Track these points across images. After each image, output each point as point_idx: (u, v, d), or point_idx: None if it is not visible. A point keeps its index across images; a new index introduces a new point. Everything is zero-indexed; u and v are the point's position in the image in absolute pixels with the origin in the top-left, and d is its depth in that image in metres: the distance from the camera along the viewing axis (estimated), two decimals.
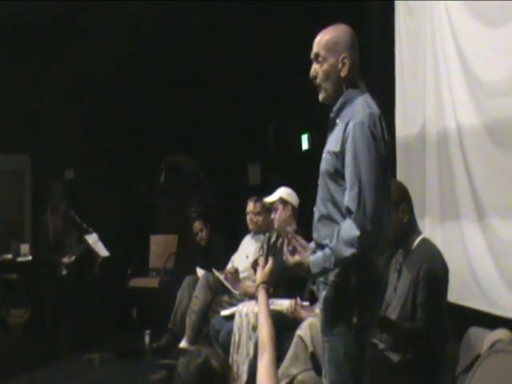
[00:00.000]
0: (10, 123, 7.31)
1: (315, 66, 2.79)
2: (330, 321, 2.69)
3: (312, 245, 2.84)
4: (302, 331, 3.82)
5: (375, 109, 2.70)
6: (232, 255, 5.86)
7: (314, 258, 2.67)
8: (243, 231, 5.82)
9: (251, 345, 4.50)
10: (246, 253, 5.69)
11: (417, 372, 3.32)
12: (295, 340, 3.85)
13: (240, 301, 5.16)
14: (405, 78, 5.26)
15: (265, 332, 2.45)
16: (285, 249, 2.78)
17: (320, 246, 2.73)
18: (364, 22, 5.62)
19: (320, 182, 2.78)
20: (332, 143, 2.71)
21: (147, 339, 6.55)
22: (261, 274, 2.73)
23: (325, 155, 2.75)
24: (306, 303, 4.44)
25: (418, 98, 4.94)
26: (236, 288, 5.44)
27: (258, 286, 2.71)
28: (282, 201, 5.03)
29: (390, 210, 2.80)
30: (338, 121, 2.75)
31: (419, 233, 3.48)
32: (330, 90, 2.77)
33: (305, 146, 7.84)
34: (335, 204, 2.69)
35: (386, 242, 2.78)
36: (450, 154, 4.43)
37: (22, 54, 7.24)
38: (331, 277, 2.67)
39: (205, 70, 7.61)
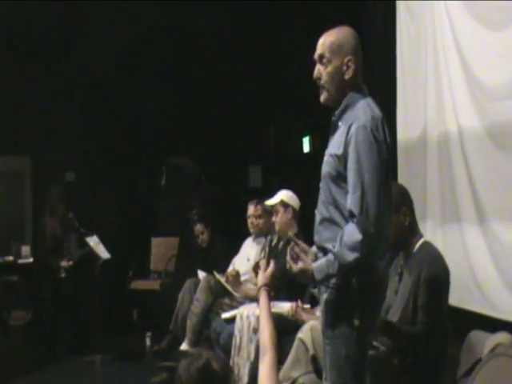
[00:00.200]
0: (10, 125, 7.32)
1: (319, 67, 2.78)
2: (332, 323, 2.69)
3: (314, 248, 2.84)
4: (303, 334, 3.82)
5: (377, 112, 2.70)
6: (233, 258, 5.86)
7: (317, 264, 2.67)
8: (244, 234, 5.82)
9: (252, 347, 4.51)
10: (247, 255, 5.69)
11: (418, 375, 3.32)
12: (296, 343, 3.85)
13: (241, 303, 5.16)
14: (406, 81, 5.26)
15: (266, 335, 2.45)
16: (287, 257, 2.78)
17: (322, 249, 2.73)
18: (365, 23, 5.62)
19: (322, 184, 2.78)
20: (334, 146, 2.71)
21: (148, 341, 6.56)
22: (262, 277, 2.73)
23: (327, 158, 2.75)
24: (306, 306, 4.44)
25: (419, 100, 4.94)
26: (237, 291, 5.44)
27: (259, 289, 2.70)
28: (283, 203, 5.04)
29: (391, 213, 2.80)
30: (340, 124, 2.75)
31: (420, 236, 3.48)
32: (332, 91, 2.76)
33: (306, 148, 7.85)
34: (337, 207, 2.69)
35: (387, 245, 2.78)
36: (450, 157, 4.42)
37: (23, 56, 7.24)
38: (332, 279, 2.67)
39: (206, 71, 7.62)
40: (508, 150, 3.84)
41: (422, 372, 3.32)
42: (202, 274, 5.91)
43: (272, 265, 2.77)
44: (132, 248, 7.52)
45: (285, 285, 4.49)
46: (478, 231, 4.10)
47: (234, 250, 5.94)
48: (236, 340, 4.67)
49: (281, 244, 5.07)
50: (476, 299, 4.14)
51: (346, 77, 2.74)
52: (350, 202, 2.60)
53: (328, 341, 2.72)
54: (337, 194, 2.69)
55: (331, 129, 2.81)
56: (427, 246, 3.47)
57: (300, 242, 2.82)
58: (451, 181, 4.42)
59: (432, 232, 4.61)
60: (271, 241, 5.28)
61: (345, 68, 2.74)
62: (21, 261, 7.28)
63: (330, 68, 2.74)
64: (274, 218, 5.08)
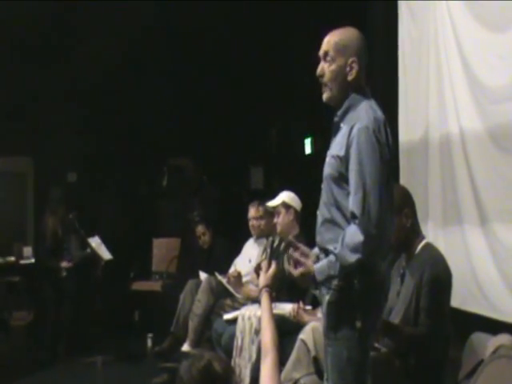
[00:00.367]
0: (12, 126, 7.32)
1: (323, 65, 2.78)
2: (333, 325, 2.69)
3: (315, 250, 2.84)
4: (305, 335, 3.81)
5: (380, 114, 2.70)
6: (234, 259, 5.86)
7: (318, 266, 2.67)
8: (246, 235, 5.83)
9: (254, 348, 4.50)
10: (249, 256, 5.69)
11: (419, 377, 3.31)
12: (298, 344, 3.85)
13: (243, 304, 5.16)
14: (408, 82, 5.26)
15: (267, 336, 2.45)
16: (285, 264, 2.78)
17: (323, 251, 2.73)
18: (367, 23, 5.62)
19: (323, 185, 2.78)
20: (336, 147, 2.72)
21: (149, 342, 6.56)
22: (264, 278, 2.74)
23: (329, 159, 2.75)
24: (308, 307, 4.44)
25: (421, 102, 4.94)
26: (238, 292, 5.44)
27: (260, 290, 2.71)
28: (285, 205, 5.04)
29: (392, 215, 2.80)
30: (342, 125, 2.75)
31: (422, 237, 3.48)
32: (335, 90, 2.77)
33: (308, 149, 7.85)
34: (339, 208, 2.69)
35: (388, 247, 2.78)
36: (452, 159, 4.42)
37: (25, 56, 7.25)
38: (334, 281, 2.67)
39: (208, 72, 7.62)
40: (510, 151, 3.84)
41: (423, 374, 3.31)
42: (203, 275, 5.92)
43: (273, 266, 2.78)
44: (133, 249, 7.53)
45: (286, 286, 4.49)
46: (479, 233, 4.10)
47: (236, 251, 5.94)
48: (237, 341, 4.67)
49: (282, 245, 5.07)
50: (478, 301, 4.14)
51: (349, 78, 2.74)
52: (352, 203, 2.60)
53: (330, 342, 2.72)
54: (338, 195, 2.69)
55: (333, 130, 2.81)
56: (429, 247, 3.46)
57: (300, 245, 2.83)
58: (453, 182, 4.42)
59: (433, 234, 4.61)
60: (273, 242, 5.28)
61: (348, 69, 2.74)
62: (22, 261, 7.29)
63: (333, 66, 2.75)
64: (275, 220, 5.08)
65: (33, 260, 7.28)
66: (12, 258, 7.32)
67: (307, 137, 7.82)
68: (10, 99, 7.20)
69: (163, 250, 7.67)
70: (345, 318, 2.65)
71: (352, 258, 2.56)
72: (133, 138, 7.82)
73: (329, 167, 2.74)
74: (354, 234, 2.57)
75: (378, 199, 2.57)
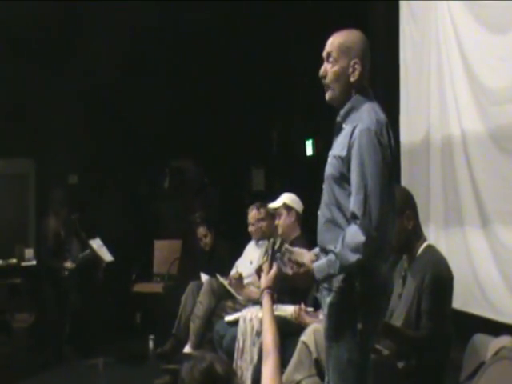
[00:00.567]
0: (14, 127, 7.33)
1: (326, 65, 2.79)
2: (335, 327, 2.69)
3: (316, 250, 2.84)
4: (306, 337, 3.81)
5: (382, 116, 2.70)
6: (236, 261, 5.86)
7: (318, 264, 2.67)
8: (247, 237, 5.82)
9: (255, 350, 4.50)
10: (250, 258, 5.69)
11: (421, 379, 3.31)
12: (299, 346, 3.84)
13: (244, 306, 5.16)
14: (409, 84, 5.26)
15: (269, 337, 2.45)
16: (281, 265, 2.78)
17: (324, 251, 2.73)
18: (368, 25, 5.62)
19: (325, 186, 2.78)
20: (338, 147, 2.72)
21: (151, 344, 6.55)
22: (265, 280, 2.74)
23: (330, 159, 2.76)
24: (310, 309, 4.44)
25: (423, 104, 4.95)
26: (240, 294, 5.44)
27: (262, 292, 2.71)
28: (286, 206, 5.04)
29: (394, 217, 2.80)
30: (344, 125, 2.75)
31: (424, 239, 3.47)
32: (337, 91, 2.77)
33: (309, 151, 7.85)
34: (340, 208, 2.69)
35: (390, 249, 2.78)
36: (454, 161, 4.42)
37: (26, 58, 7.25)
38: (335, 283, 2.67)
39: (209, 74, 7.62)
40: (511, 152, 3.84)
41: (425, 375, 3.31)
42: (204, 277, 5.91)
43: (275, 268, 2.78)
44: (135, 251, 7.53)
45: (288, 288, 4.48)
46: (481, 234, 4.11)
47: (237, 252, 5.94)
48: (239, 343, 4.67)
49: (284, 247, 5.06)
50: (479, 303, 4.14)
51: (352, 79, 2.74)
52: (353, 204, 2.60)
53: (331, 344, 2.72)
54: (340, 196, 2.69)
55: (335, 130, 2.81)
56: (431, 249, 3.46)
57: (294, 249, 2.83)
58: (454, 184, 4.42)
59: (435, 235, 4.62)
60: (274, 244, 5.27)
61: (351, 70, 2.74)
62: (24, 263, 7.29)
63: (336, 67, 2.75)
64: (276, 221, 5.08)
65: (34, 262, 7.29)
66: (14, 260, 7.32)
67: (308, 139, 7.82)
68: (11, 101, 7.21)
69: (164, 251, 7.67)
70: (346, 320, 2.65)
71: (352, 257, 2.56)
72: (134, 139, 7.82)
73: (330, 167, 2.74)
74: (354, 234, 2.57)
75: (380, 201, 2.57)
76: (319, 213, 2.81)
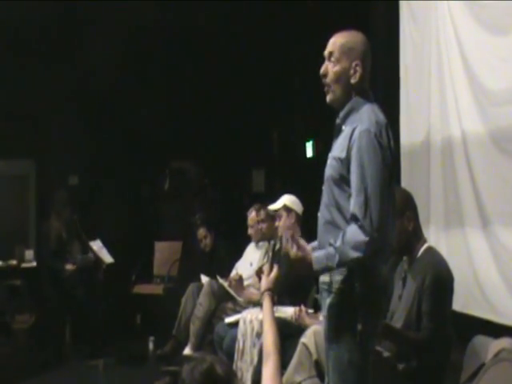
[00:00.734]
0: (14, 128, 7.33)
1: (327, 64, 2.79)
2: (335, 328, 2.69)
3: (315, 243, 2.84)
4: (307, 338, 3.81)
5: (382, 118, 2.70)
6: (236, 262, 5.86)
7: (316, 255, 2.66)
8: (247, 238, 5.82)
9: (255, 352, 4.50)
10: (250, 260, 5.70)
11: (421, 380, 3.31)
12: (299, 347, 3.84)
13: (244, 308, 5.16)
14: (409, 85, 5.26)
15: (269, 339, 2.45)
16: (284, 240, 2.76)
17: None
18: (368, 25, 5.62)
19: (324, 187, 2.78)
20: (338, 149, 2.72)
21: (151, 346, 6.55)
22: (266, 281, 2.74)
23: (330, 161, 2.76)
24: (310, 310, 4.45)
25: (423, 105, 4.94)
26: (240, 295, 5.44)
27: (262, 293, 2.71)
28: (287, 208, 5.04)
29: (394, 218, 2.80)
30: (343, 127, 2.75)
31: (424, 241, 3.47)
32: (338, 93, 2.77)
33: (309, 153, 7.85)
34: (339, 210, 2.69)
35: (390, 250, 2.78)
36: (454, 162, 4.42)
37: (26, 59, 7.25)
38: (336, 284, 2.67)
39: (209, 75, 7.62)
40: (511, 154, 3.84)
41: (425, 377, 3.31)
42: (205, 279, 5.92)
43: (275, 269, 2.78)
44: (135, 252, 7.52)
45: (288, 289, 4.49)
46: (481, 236, 4.10)
47: (237, 254, 5.94)
48: (239, 344, 4.67)
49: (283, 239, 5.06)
50: (479, 304, 4.14)
51: (353, 81, 2.75)
52: (353, 205, 2.60)
53: (331, 345, 2.72)
54: (339, 197, 2.69)
55: (335, 131, 2.81)
56: (431, 251, 3.46)
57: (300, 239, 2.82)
58: (454, 185, 4.42)
59: (435, 237, 4.61)
60: (274, 245, 5.28)
61: (352, 71, 2.74)
62: (24, 265, 7.29)
63: (337, 68, 2.75)
64: (277, 223, 5.09)
65: (35, 263, 7.28)
66: (14, 261, 7.32)
67: (308, 140, 7.82)
68: (12, 102, 7.21)
69: (165, 253, 7.67)
70: (346, 321, 2.65)
71: (352, 254, 2.56)
72: (134, 140, 7.82)
73: (330, 169, 2.74)
74: (354, 232, 2.56)
75: (380, 203, 2.57)
76: (319, 214, 2.81)
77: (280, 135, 8.25)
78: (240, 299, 5.43)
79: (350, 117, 2.74)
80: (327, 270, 2.65)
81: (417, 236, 3.45)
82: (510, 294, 3.85)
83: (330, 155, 2.77)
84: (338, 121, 2.80)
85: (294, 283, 4.58)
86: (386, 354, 3.37)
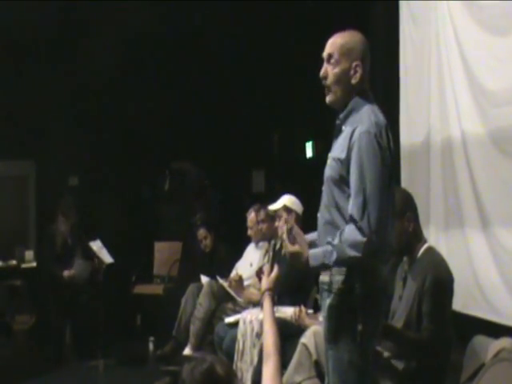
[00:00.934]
0: (14, 129, 7.32)
1: (326, 67, 2.78)
2: (335, 328, 2.69)
3: (313, 235, 2.84)
4: (307, 339, 3.81)
5: (382, 119, 2.70)
6: (236, 263, 5.86)
7: (314, 252, 2.67)
8: (247, 238, 5.83)
9: (255, 352, 4.50)
10: (250, 260, 5.70)
11: (421, 380, 3.31)
12: (299, 348, 3.85)
13: (244, 308, 5.17)
14: (409, 85, 5.26)
15: (269, 339, 2.45)
16: (284, 236, 2.77)
17: None
18: (368, 25, 5.62)
19: (324, 188, 2.78)
20: (337, 150, 2.72)
21: (151, 346, 6.56)
22: (266, 282, 2.74)
23: (330, 161, 2.76)
24: (310, 311, 4.45)
25: (423, 106, 4.95)
26: (240, 296, 5.45)
27: (263, 294, 2.71)
28: (286, 208, 5.04)
29: (393, 219, 2.80)
30: (343, 127, 2.75)
31: (424, 241, 3.47)
32: (338, 94, 2.77)
33: (309, 153, 7.85)
34: (339, 210, 2.69)
35: (389, 251, 2.78)
36: (454, 163, 4.42)
37: (26, 59, 7.25)
38: (336, 285, 2.68)
39: (209, 75, 7.62)
40: (511, 155, 3.84)
41: (425, 377, 3.31)
42: (205, 279, 5.92)
43: (276, 270, 2.78)
44: (135, 253, 7.52)
45: (288, 290, 4.49)
46: (481, 236, 4.11)
47: (237, 254, 5.95)
48: (239, 344, 4.67)
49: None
50: (479, 304, 4.14)
51: (353, 81, 2.74)
52: (352, 206, 2.60)
53: (331, 346, 2.72)
54: (339, 198, 2.69)
55: (335, 132, 2.81)
56: (431, 251, 3.46)
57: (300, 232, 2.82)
58: (454, 186, 4.42)
59: (435, 237, 4.61)
60: (274, 245, 5.28)
61: (352, 72, 2.74)
62: (24, 265, 7.28)
63: (337, 69, 2.75)
64: (277, 223, 5.09)
65: (34, 264, 7.27)
66: (14, 262, 7.31)
67: (309, 141, 7.82)
68: (12, 102, 7.20)
69: (165, 253, 7.67)
70: (346, 322, 2.65)
71: (350, 252, 2.56)
72: (134, 141, 7.82)
73: (330, 169, 2.74)
74: (352, 232, 2.57)
75: (378, 204, 2.57)
76: (319, 215, 2.82)
77: (280, 136, 8.25)
78: (240, 299, 5.44)
79: (350, 117, 2.74)
80: (324, 267, 2.66)
81: (417, 236, 3.45)
82: (510, 294, 3.85)
83: (330, 156, 2.77)
84: (337, 121, 2.80)
85: (294, 283, 4.60)
86: (386, 354, 3.37)
